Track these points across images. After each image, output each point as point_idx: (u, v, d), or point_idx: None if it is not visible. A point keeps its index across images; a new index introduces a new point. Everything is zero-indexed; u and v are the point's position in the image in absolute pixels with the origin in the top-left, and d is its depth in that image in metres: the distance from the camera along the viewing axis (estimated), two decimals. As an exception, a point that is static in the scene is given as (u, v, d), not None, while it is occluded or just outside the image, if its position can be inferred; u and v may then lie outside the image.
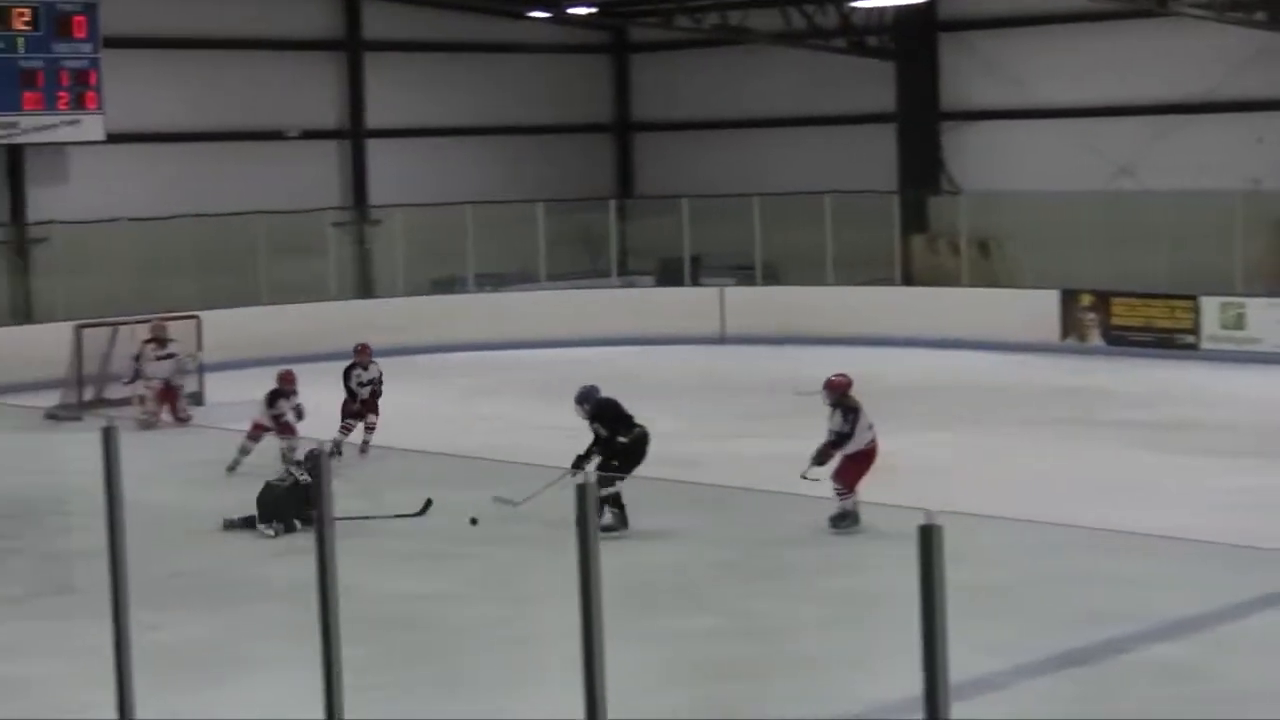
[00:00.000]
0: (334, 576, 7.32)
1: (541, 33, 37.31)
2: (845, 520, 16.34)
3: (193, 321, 27.05)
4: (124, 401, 24.82)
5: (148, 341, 24.74)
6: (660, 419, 23.69)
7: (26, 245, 31.08)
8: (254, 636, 13.36)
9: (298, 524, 16.61)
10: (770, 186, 34.35)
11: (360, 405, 21.35)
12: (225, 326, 28.39)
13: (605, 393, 17.23)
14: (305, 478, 16.65)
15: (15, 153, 31.08)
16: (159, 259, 31.01)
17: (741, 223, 33.28)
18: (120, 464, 8.06)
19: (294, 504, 16.67)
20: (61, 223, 30.72)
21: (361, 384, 21.48)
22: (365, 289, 34.42)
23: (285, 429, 20.09)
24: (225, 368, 27.13)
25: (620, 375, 28.10)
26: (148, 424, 23.78)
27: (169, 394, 24.41)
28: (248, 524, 16.88)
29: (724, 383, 27.15)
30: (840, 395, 16.81)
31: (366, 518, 16.78)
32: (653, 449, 16.64)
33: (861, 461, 16.59)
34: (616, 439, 16.78)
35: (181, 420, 24.23)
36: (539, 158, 37.36)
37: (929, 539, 5.76)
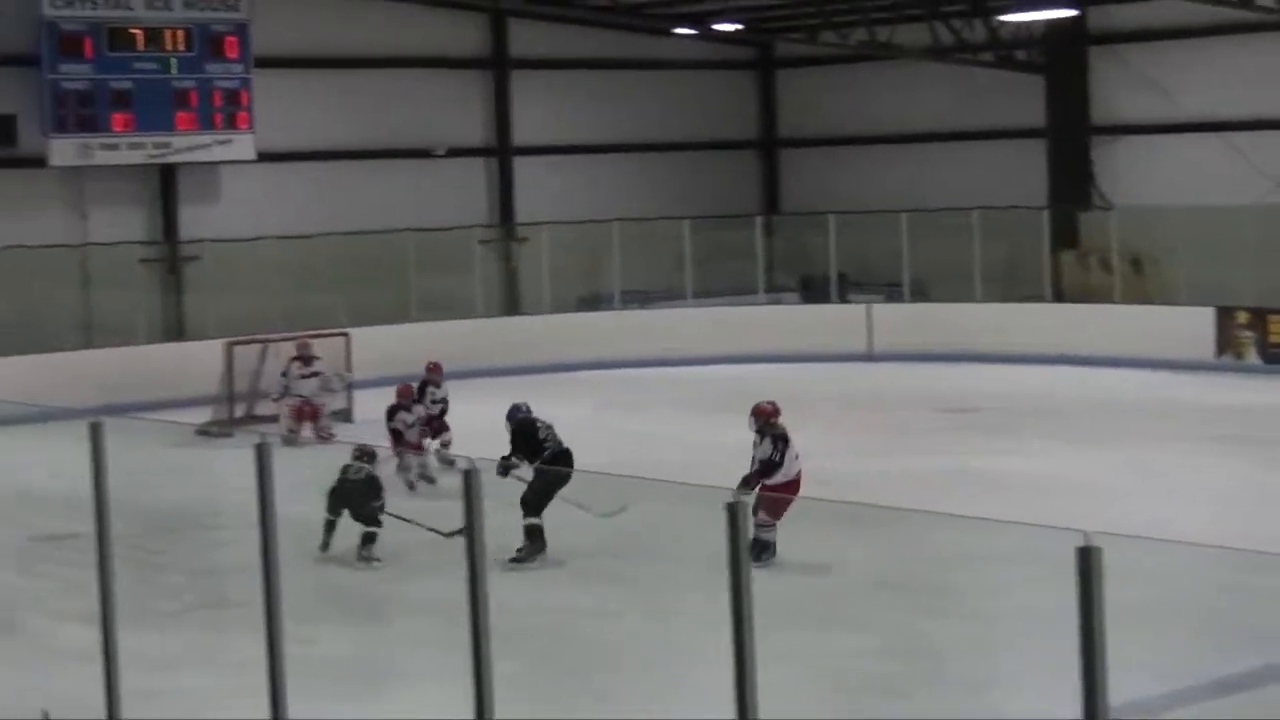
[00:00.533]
0: (484, 591, 7.30)
1: (687, 49, 37.31)
2: (764, 553, 15.76)
3: (342, 338, 27.26)
4: (275, 418, 25.04)
5: (294, 359, 24.96)
6: (808, 436, 23.59)
7: (179, 263, 31.50)
8: (404, 650, 13.40)
9: (368, 518, 16.67)
10: (918, 202, 34.09)
11: (436, 422, 21.57)
12: (373, 343, 28.56)
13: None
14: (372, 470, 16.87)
15: (168, 172, 31.51)
16: (308, 276, 31.29)
17: (889, 239, 33.03)
18: (273, 479, 8.10)
19: (365, 496, 16.72)
20: (213, 241, 31.12)
21: (434, 401, 21.72)
22: (512, 306, 34.55)
23: (401, 441, 20.38)
24: (374, 385, 27.24)
25: (767, 392, 27.98)
26: (289, 440, 23.96)
27: (311, 411, 24.56)
28: (330, 529, 16.85)
29: (872, 400, 26.94)
30: (765, 422, 16.39)
31: (405, 520, 16.53)
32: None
33: (786, 492, 16.09)
34: (510, 458, 16.68)
35: (323, 438, 24.32)
36: (685, 174, 37.33)
37: (1088, 560, 5.66)
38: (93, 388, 25.67)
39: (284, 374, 24.81)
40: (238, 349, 26.68)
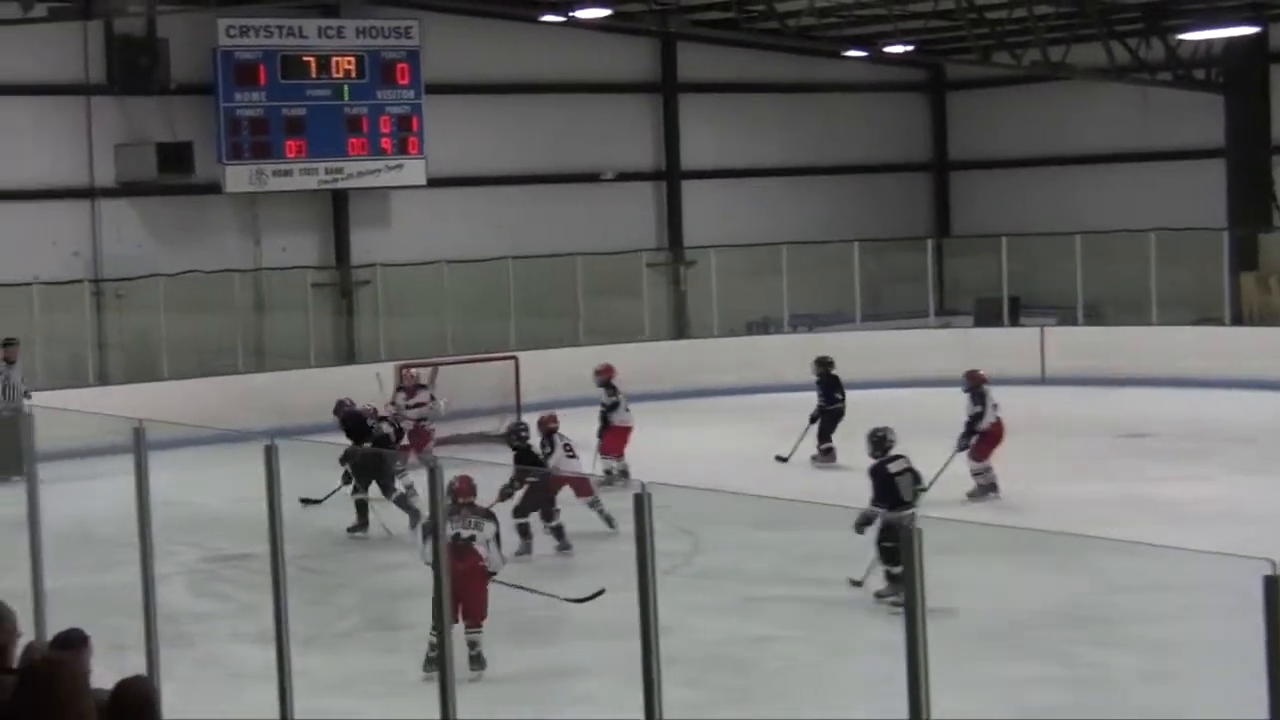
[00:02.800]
0: (654, 616, 7.21)
1: (857, 72, 37.08)
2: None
3: (510, 362, 27.37)
4: (451, 439, 25.09)
5: (399, 389, 25.08)
6: (981, 461, 23.33)
7: (350, 287, 31.80)
8: (574, 673, 13.35)
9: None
10: (1093, 224, 33.60)
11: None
12: (542, 367, 28.66)
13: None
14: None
15: (340, 197, 31.83)
16: (478, 300, 31.48)
17: (1063, 261, 32.61)
18: (444, 500, 8.06)
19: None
20: (384, 265, 31.40)
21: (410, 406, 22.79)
22: (680, 330, 34.49)
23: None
24: (543, 408, 27.29)
25: (937, 417, 27.73)
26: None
27: (421, 438, 24.46)
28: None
29: (1046, 425, 26.48)
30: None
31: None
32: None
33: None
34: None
35: (428, 465, 23.68)
36: (854, 197, 37.10)
37: (1275, 590, 5.48)
38: (266, 410, 26.01)
39: (392, 403, 24.84)
40: (407, 373, 26.83)
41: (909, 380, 30.72)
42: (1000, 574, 16.08)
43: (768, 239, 34.10)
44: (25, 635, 7.70)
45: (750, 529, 18.11)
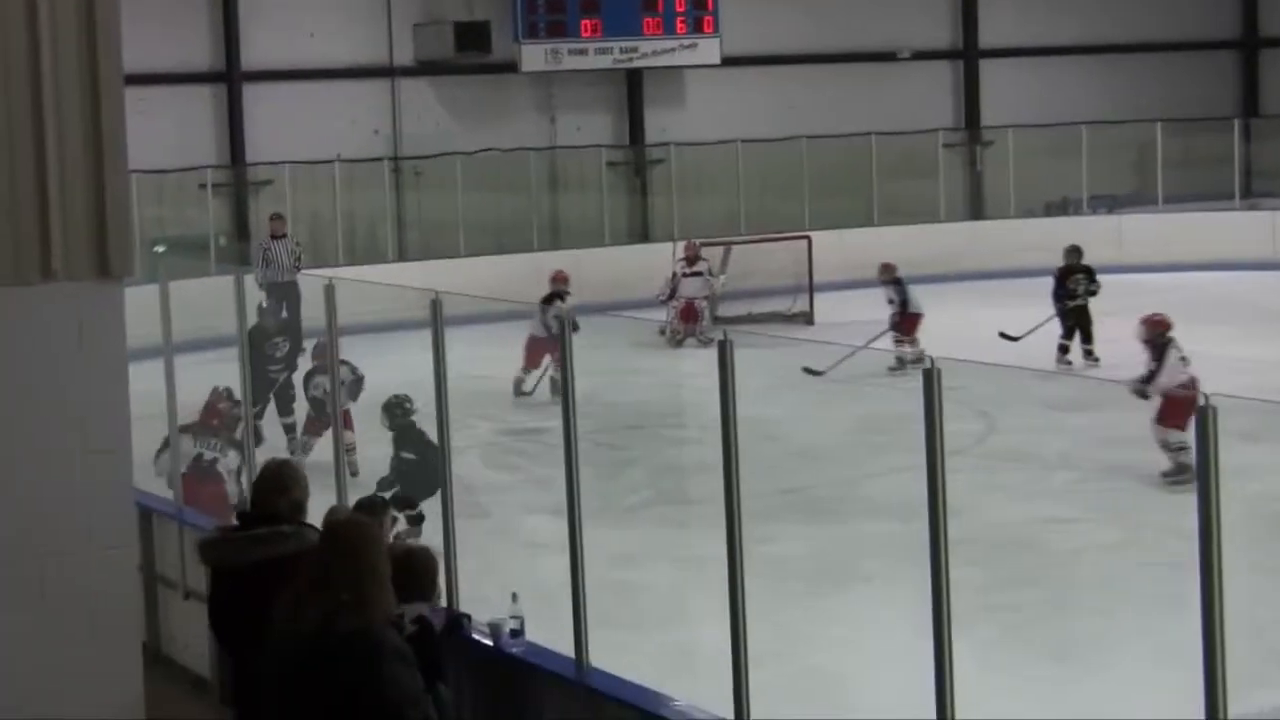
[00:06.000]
0: (942, 494, 7.18)
1: (1164, -54, 36.07)
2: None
3: (803, 242, 27.33)
4: (743, 319, 25.29)
5: (680, 259, 25.30)
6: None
7: (644, 166, 31.98)
8: (861, 552, 13.38)
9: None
10: None
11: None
12: (836, 247, 28.56)
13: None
14: None
15: (634, 77, 31.95)
16: (771, 180, 31.45)
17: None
18: (735, 378, 8.08)
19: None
20: (677, 144, 31.49)
21: (556, 318, 21.70)
22: (976, 211, 34.06)
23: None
24: (835, 288, 27.26)
25: (1244, 301, 27.06)
26: (675, 341, 24.19)
27: (694, 313, 24.63)
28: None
29: (1355, 311, 25.71)
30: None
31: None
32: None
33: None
34: None
35: (702, 342, 23.56)
36: (1158, 76, 36.09)
37: None
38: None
39: (672, 275, 25.10)
40: (703, 251, 26.93)
41: (1211, 264, 30.02)
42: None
43: (1067, 118, 33.43)
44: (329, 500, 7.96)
45: (1046, 410, 17.92)
